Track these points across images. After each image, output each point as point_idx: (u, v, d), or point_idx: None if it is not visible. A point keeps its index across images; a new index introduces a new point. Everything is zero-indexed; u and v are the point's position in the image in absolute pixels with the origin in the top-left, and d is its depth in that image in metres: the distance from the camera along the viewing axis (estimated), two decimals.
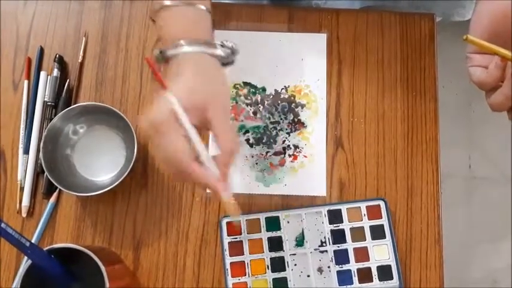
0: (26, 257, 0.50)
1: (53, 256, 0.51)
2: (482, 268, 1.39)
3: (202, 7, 0.52)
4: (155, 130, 0.45)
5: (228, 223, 0.62)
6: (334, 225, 0.62)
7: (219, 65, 0.52)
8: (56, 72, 0.67)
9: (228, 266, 0.60)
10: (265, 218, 0.62)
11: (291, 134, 0.66)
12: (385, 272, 0.60)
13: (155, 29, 0.54)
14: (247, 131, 0.66)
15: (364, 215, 0.62)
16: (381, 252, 0.61)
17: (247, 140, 0.66)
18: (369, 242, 0.61)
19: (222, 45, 0.52)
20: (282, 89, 0.68)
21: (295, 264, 0.61)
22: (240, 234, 0.61)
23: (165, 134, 0.45)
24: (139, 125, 0.47)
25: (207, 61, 0.50)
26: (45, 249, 0.51)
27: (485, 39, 0.49)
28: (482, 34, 0.50)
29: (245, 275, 0.60)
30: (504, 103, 0.49)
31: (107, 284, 0.50)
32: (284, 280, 0.60)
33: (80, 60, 0.69)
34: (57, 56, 0.68)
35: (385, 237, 0.61)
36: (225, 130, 0.48)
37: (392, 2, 0.79)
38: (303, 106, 0.67)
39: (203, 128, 0.48)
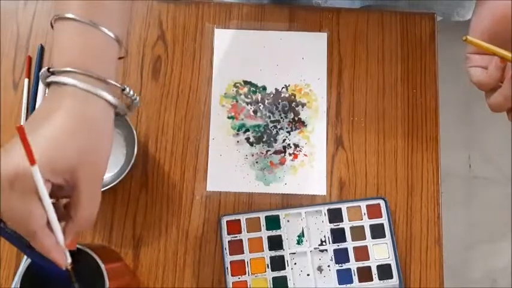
0: (25, 256, 0.50)
1: None
2: (482, 268, 1.39)
3: (110, 34, 0.43)
4: (9, 185, 0.38)
5: (228, 221, 0.62)
6: (334, 224, 0.62)
7: (108, 112, 0.42)
8: None
9: (228, 265, 0.60)
10: (265, 216, 0.62)
11: (291, 132, 0.66)
12: (385, 271, 0.60)
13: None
14: (247, 130, 0.66)
15: (364, 214, 0.62)
16: (381, 251, 0.61)
17: (248, 139, 0.66)
18: (368, 241, 0.61)
19: (123, 90, 0.44)
20: (282, 88, 0.67)
21: (295, 263, 0.61)
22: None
23: (23, 196, 0.38)
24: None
25: (93, 104, 0.41)
26: None
27: (485, 40, 0.49)
28: (482, 34, 0.50)
29: (245, 274, 0.60)
30: (503, 104, 0.49)
31: (107, 283, 0.50)
32: (284, 279, 0.60)
33: None
34: None
35: (385, 237, 0.61)
36: (89, 199, 0.41)
37: (392, 1, 0.79)
38: (303, 105, 0.67)
39: (68, 187, 0.41)
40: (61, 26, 0.42)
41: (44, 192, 0.38)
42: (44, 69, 0.42)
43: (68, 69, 0.40)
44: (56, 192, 0.41)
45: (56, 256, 0.41)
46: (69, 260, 0.43)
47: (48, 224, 0.40)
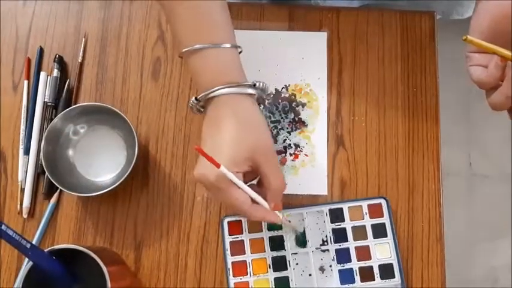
0: (26, 259, 0.50)
1: (54, 257, 0.51)
2: (483, 266, 1.39)
3: (229, 45, 0.53)
4: (213, 186, 0.50)
5: (229, 222, 0.62)
6: (336, 224, 0.62)
7: (255, 104, 0.53)
8: (55, 72, 0.67)
9: (229, 266, 0.60)
10: None
11: (291, 133, 0.66)
12: (387, 271, 0.60)
13: (186, 68, 0.58)
14: None
15: (366, 213, 0.62)
16: (383, 251, 0.61)
17: None
18: (370, 241, 0.61)
19: (254, 85, 0.53)
20: (282, 88, 0.67)
21: (297, 264, 0.60)
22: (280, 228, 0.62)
23: (225, 190, 0.50)
24: (194, 177, 0.52)
25: (244, 103, 0.52)
26: (46, 250, 0.50)
27: (485, 39, 0.49)
28: (482, 34, 0.50)
29: (247, 275, 0.60)
30: (504, 102, 0.49)
31: (109, 285, 0.50)
32: (286, 279, 0.60)
33: (79, 60, 0.68)
34: (57, 56, 0.68)
35: (386, 236, 0.61)
36: (273, 171, 0.52)
37: (391, 0, 0.78)
38: (303, 105, 0.67)
39: (254, 169, 0.52)
40: (195, 58, 0.52)
41: (237, 180, 0.49)
42: (192, 99, 0.54)
43: (213, 88, 0.51)
44: (248, 177, 0.53)
45: (270, 218, 0.53)
46: (281, 216, 0.54)
47: (254, 201, 0.52)
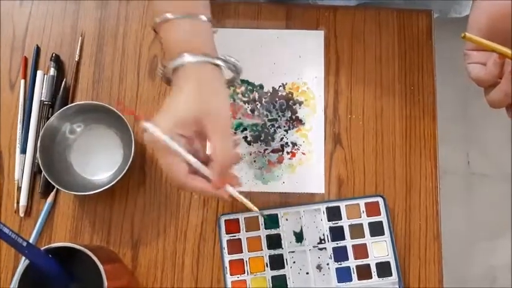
0: (23, 258, 0.50)
1: (50, 255, 0.51)
2: (482, 265, 1.39)
3: (204, 17, 0.52)
4: (155, 149, 0.49)
5: (226, 221, 0.62)
6: (333, 222, 0.62)
7: (222, 78, 0.52)
8: (52, 71, 0.67)
9: (226, 264, 0.60)
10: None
11: (289, 131, 0.66)
12: (384, 269, 0.60)
13: (158, 40, 0.55)
14: (245, 129, 0.66)
15: (363, 211, 0.62)
16: (380, 249, 0.61)
17: (245, 138, 0.66)
18: (367, 239, 0.61)
19: (224, 60, 0.52)
20: (279, 87, 0.67)
21: (294, 262, 0.60)
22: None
23: (162, 156, 0.48)
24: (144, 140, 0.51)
25: (210, 73, 0.51)
26: (43, 248, 0.50)
27: (483, 37, 0.49)
28: (480, 31, 0.50)
29: (244, 273, 0.60)
30: (502, 100, 0.49)
31: (105, 283, 0.50)
32: (283, 278, 0.60)
33: (76, 59, 0.68)
34: (54, 55, 0.68)
35: (383, 234, 0.61)
36: (220, 139, 0.49)
37: (388, 0, 0.78)
38: (300, 103, 0.67)
39: (201, 138, 0.50)
40: (167, 27, 0.52)
41: (161, 134, 0.46)
42: (159, 67, 0.53)
43: (182, 54, 0.50)
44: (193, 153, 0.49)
45: (210, 191, 0.49)
46: (229, 191, 0.51)
47: (197, 173, 0.49)
